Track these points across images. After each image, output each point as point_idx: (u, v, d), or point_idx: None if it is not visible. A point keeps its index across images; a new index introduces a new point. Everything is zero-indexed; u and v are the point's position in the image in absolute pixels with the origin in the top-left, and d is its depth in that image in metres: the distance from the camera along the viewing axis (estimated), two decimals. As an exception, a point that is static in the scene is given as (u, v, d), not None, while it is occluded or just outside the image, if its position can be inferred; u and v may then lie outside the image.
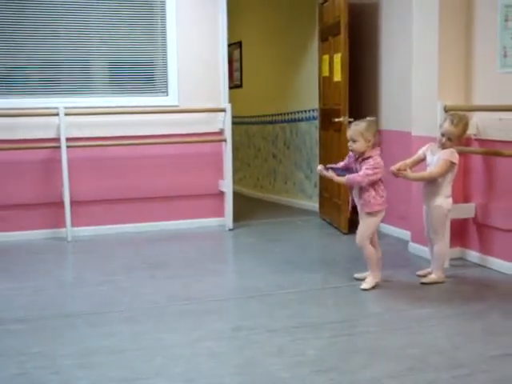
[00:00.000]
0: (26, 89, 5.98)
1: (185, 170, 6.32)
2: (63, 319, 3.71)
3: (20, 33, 5.88)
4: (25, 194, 5.92)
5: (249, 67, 8.75)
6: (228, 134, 6.24)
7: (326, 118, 6.45)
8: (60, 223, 5.95)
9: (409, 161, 4.36)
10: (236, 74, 8.95)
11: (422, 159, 4.38)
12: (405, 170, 4.25)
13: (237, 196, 6.73)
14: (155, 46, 6.26)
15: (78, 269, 5.13)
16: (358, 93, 6.26)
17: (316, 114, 7.03)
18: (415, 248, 5.12)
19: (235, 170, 6.90)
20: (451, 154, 4.19)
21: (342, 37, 5.83)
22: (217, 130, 6.33)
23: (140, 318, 3.72)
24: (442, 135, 4.24)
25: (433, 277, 4.36)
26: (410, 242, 5.24)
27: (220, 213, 6.42)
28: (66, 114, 5.80)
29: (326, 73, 6.43)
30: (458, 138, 4.26)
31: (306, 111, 7.40)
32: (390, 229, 5.90)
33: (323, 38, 6.53)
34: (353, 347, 3.27)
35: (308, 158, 7.41)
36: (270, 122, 8.21)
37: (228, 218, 6.31)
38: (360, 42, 6.25)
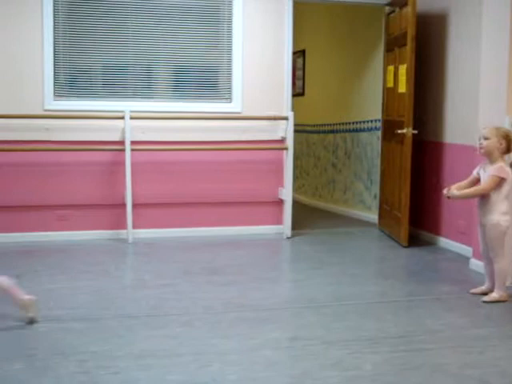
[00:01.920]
0: (92, 92, 6.12)
1: (245, 177, 6.35)
2: (122, 320, 3.76)
3: (88, 37, 6.02)
4: (88, 195, 6.04)
5: (311, 75, 8.74)
6: (290, 143, 6.24)
7: (389, 129, 6.39)
8: (121, 225, 6.05)
9: (463, 183, 4.34)
10: (298, 83, 8.94)
11: (478, 179, 4.30)
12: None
13: (295, 204, 6.72)
14: (220, 53, 6.31)
15: (138, 271, 5.20)
16: (423, 105, 6.18)
17: (378, 124, 6.97)
18: (476, 265, 5.01)
19: (294, 178, 6.88)
20: (499, 169, 4.12)
21: (409, 48, 5.77)
22: (278, 137, 6.34)
23: (197, 322, 3.75)
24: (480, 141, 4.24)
25: (494, 295, 4.25)
26: (472, 258, 5.13)
27: (278, 220, 6.41)
28: (131, 118, 5.90)
29: (390, 84, 6.37)
30: (498, 138, 4.15)
31: (368, 121, 7.34)
32: (450, 244, 5.79)
33: (389, 49, 6.48)
34: (411, 364, 3.21)
35: (368, 169, 7.35)
36: (331, 132, 8.17)
37: (286, 226, 6.30)
38: (426, 53, 6.17)
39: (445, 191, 4.31)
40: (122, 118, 5.89)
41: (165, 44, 6.19)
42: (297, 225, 6.48)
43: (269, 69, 6.33)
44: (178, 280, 4.69)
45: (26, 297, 3.65)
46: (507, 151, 4.21)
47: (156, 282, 4.64)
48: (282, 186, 6.35)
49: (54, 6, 5.87)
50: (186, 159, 6.21)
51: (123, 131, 5.93)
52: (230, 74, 6.31)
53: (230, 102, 6.33)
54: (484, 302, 4.22)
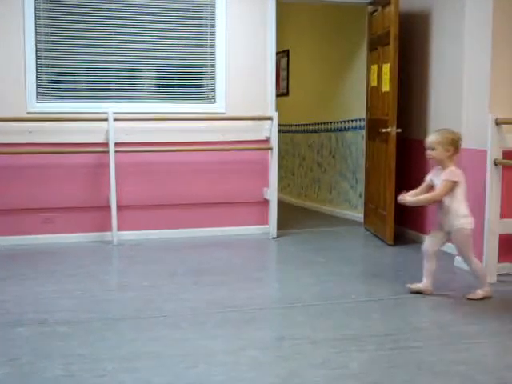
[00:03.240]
0: (75, 93, 6.08)
1: (229, 178, 6.34)
2: (108, 323, 3.74)
3: (70, 38, 5.98)
4: (72, 197, 6.01)
5: (296, 76, 8.75)
6: (274, 143, 6.24)
7: (373, 128, 6.41)
8: (106, 227, 6.02)
9: (417, 190, 4.33)
10: (283, 83, 8.95)
11: (431, 185, 4.30)
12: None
13: (281, 204, 6.71)
14: (204, 53, 6.30)
15: (123, 273, 5.18)
16: (406, 103, 6.20)
17: (362, 123, 6.99)
18: (462, 262, 5.02)
19: (279, 178, 6.89)
20: (450, 173, 4.14)
21: (392, 47, 5.79)
22: (263, 137, 6.34)
23: (183, 324, 3.73)
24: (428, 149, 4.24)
25: (480, 292, 4.27)
26: (456, 255, 5.15)
27: (264, 221, 6.41)
28: (115, 120, 5.87)
29: (374, 83, 6.39)
30: (443, 147, 4.14)
31: (352, 121, 7.36)
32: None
33: (372, 48, 6.50)
34: (397, 362, 3.22)
35: (353, 168, 7.37)
36: (316, 131, 8.19)
37: (272, 227, 6.30)
38: (409, 51, 6.19)
39: (399, 198, 4.29)
40: (106, 119, 5.86)
41: (148, 45, 6.17)
42: (282, 225, 6.48)
43: (252, 69, 6.33)
44: (164, 281, 4.67)
45: None
46: (456, 153, 4.22)
47: (142, 283, 4.62)
48: (267, 185, 6.35)
49: (36, 8, 5.83)
50: (171, 160, 6.19)
51: (107, 133, 5.90)
52: (213, 75, 6.30)
53: (214, 103, 6.32)
54: (469, 299, 4.24)
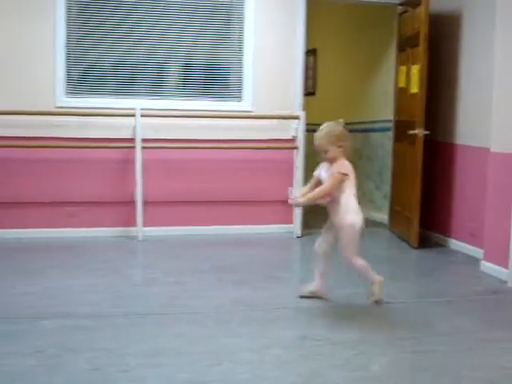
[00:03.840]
0: (103, 89, 6.12)
1: (254, 176, 6.35)
2: (132, 318, 3.76)
3: (100, 34, 6.04)
4: (98, 192, 6.06)
5: (323, 75, 8.73)
6: (301, 142, 6.23)
7: (401, 129, 6.37)
8: (131, 222, 6.06)
9: (306, 187, 4.10)
10: (309, 82, 8.92)
11: (320, 180, 4.05)
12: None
13: (305, 204, 6.69)
14: (231, 51, 6.31)
15: (148, 268, 5.21)
16: (434, 105, 6.15)
17: (390, 124, 6.95)
18: (487, 267, 4.99)
19: (305, 178, 6.86)
20: (341, 165, 3.89)
21: (422, 48, 5.75)
22: (289, 137, 6.34)
23: (207, 321, 3.74)
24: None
25: (375, 288, 4.12)
26: (483, 260, 5.11)
27: (288, 220, 6.41)
28: (142, 116, 5.90)
29: (402, 84, 6.35)
30: (327, 146, 3.90)
31: (379, 121, 7.32)
32: (461, 245, 5.77)
33: (401, 49, 6.46)
34: (419, 366, 3.20)
35: (379, 169, 7.33)
36: (342, 131, 8.13)
37: (296, 226, 6.29)
38: (438, 53, 6.14)
39: (289, 201, 4.03)
40: (133, 115, 5.89)
41: (176, 41, 6.20)
42: (307, 224, 6.47)
43: (280, 68, 6.33)
44: (188, 278, 4.69)
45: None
46: (346, 143, 3.98)
47: (166, 279, 4.65)
48: (292, 185, 6.34)
49: (67, 3, 5.89)
50: (195, 157, 6.21)
51: (133, 129, 5.93)
52: (240, 73, 6.31)
53: (241, 101, 6.33)
54: (375, 302, 4.08)
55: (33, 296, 4.14)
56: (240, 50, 6.30)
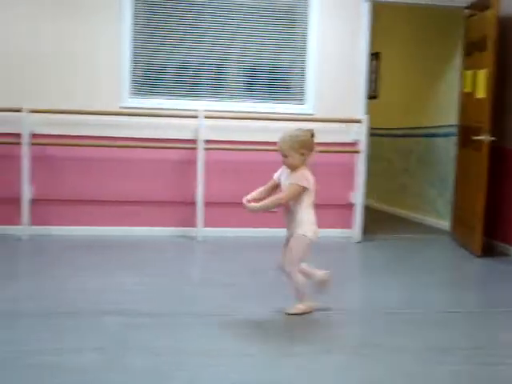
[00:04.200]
0: (166, 90, 6.19)
1: (315, 179, 6.28)
2: (191, 317, 3.77)
3: (163, 35, 6.11)
4: (159, 192, 6.12)
5: (386, 79, 8.62)
6: (363, 146, 6.17)
7: (466, 135, 6.23)
8: (191, 222, 6.09)
9: (262, 189, 3.89)
10: (372, 85, 8.82)
11: (277, 184, 3.90)
12: (250, 201, 3.78)
13: (365, 209, 6.61)
14: (294, 53, 6.29)
15: (207, 269, 5.23)
16: (501, 111, 5.99)
17: (454, 130, 6.80)
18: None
19: (366, 183, 6.79)
20: (300, 177, 3.72)
21: (489, 53, 5.61)
22: (350, 140, 6.27)
23: (267, 324, 3.72)
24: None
25: (301, 307, 3.89)
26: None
27: (346, 224, 6.35)
28: (205, 117, 5.93)
29: (468, 88, 6.21)
30: (288, 150, 3.73)
31: (443, 126, 7.18)
32: None
33: (468, 53, 6.32)
34: (483, 377, 3.09)
35: (443, 175, 7.19)
36: (404, 136, 8.04)
37: (356, 231, 6.22)
38: (506, 57, 5.98)
39: (245, 205, 3.81)
40: (196, 117, 5.93)
41: (239, 43, 6.22)
42: (366, 229, 6.39)
43: (343, 71, 6.28)
44: (246, 279, 4.69)
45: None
46: (309, 154, 3.80)
47: (224, 280, 4.65)
48: (353, 189, 6.28)
49: (134, 5, 5.97)
50: (256, 159, 6.21)
51: (195, 130, 5.97)
52: (303, 75, 6.28)
53: (303, 104, 6.30)
54: (288, 314, 3.88)
55: (94, 292, 4.20)
56: (303, 53, 6.27)
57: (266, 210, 3.79)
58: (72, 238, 5.85)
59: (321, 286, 4.00)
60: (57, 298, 4.04)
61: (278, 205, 3.78)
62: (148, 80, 6.16)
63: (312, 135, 3.79)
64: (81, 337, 3.37)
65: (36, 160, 5.90)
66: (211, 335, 3.49)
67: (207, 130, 5.99)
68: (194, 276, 4.99)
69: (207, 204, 6.06)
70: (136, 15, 6.02)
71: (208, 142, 6.00)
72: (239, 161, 6.20)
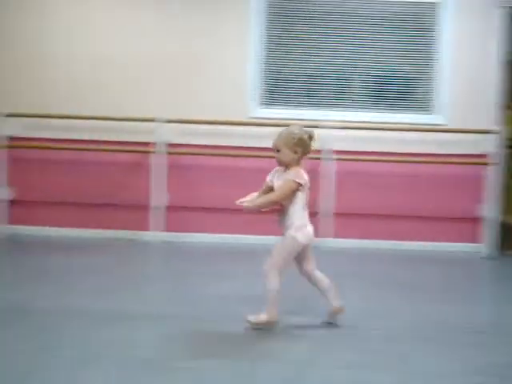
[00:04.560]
0: (293, 101, 6.24)
1: (439, 191, 6.17)
2: (328, 330, 3.75)
3: (293, 46, 6.20)
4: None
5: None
6: (497, 158, 5.99)
7: None
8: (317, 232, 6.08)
9: (257, 193, 3.74)
10: (507, 95, 8.48)
11: (271, 187, 3.69)
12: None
13: (500, 224, 6.36)
14: (422, 63, 6.19)
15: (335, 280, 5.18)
16: None
17: None
18: None
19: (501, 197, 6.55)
20: (296, 173, 3.57)
21: None
22: (479, 152, 6.09)
23: (400, 338, 3.66)
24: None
25: (263, 317, 3.62)
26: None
27: (473, 238, 6.17)
28: (331, 128, 5.95)
29: None
30: (281, 145, 3.58)
31: None
32: None
33: None
34: None
35: None
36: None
37: (485, 245, 6.02)
38: None
39: (241, 205, 3.67)
40: (323, 127, 5.94)
41: (366, 53, 6.19)
42: (502, 246, 6.15)
43: (475, 80, 6.11)
44: (374, 293, 4.62)
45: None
46: (305, 154, 3.62)
47: (351, 294, 4.54)
48: (482, 202, 6.08)
49: (265, 16, 6.08)
50: (381, 170, 6.18)
51: (321, 140, 5.98)
52: (431, 85, 6.16)
53: (431, 114, 6.17)
54: (249, 322, 3.61)
55: (226, 300, 4.27)
56: (431, 62, 6.15)
57: (262, 208, 3.64)
58: (188, 245, 6.05)
59: (332, 316, 3.85)
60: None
61: (274, 203, 3.63)
62: (277, 90, 6.25)
63: (310, 137, 3.67)
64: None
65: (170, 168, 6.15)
66: (345, 347, 3.46)
67: (334, 140, 5.98)
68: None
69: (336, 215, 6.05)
70: (267, 27, 6.14)
71: (334, 152, 6.01)
72: (364, 171, 6.18)
